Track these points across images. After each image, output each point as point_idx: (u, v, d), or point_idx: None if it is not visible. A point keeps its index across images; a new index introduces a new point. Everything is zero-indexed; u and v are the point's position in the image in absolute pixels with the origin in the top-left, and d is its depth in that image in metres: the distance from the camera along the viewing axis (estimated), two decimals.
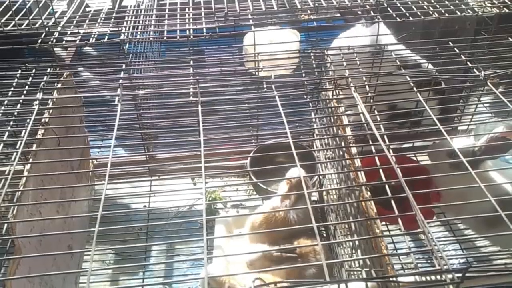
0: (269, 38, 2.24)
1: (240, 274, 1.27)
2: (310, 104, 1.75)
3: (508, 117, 1.82)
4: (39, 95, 1.32)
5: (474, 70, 1.39)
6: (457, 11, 1.69)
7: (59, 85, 1.48)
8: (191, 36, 1.63)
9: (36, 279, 1.12)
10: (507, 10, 1.74)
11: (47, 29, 1.63)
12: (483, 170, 1.45)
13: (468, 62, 1.43)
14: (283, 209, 1.50)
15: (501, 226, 0.99)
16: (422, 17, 1.67)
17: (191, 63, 1.47)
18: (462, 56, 1.46)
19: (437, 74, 1.51)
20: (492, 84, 1.33)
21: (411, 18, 1.67)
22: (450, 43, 1.52)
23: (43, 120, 1.32)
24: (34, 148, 1.23)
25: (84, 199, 1.58)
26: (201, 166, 1.06)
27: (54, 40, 1.61)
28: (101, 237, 0.92)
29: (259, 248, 1.44)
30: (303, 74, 1.60)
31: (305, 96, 1.50)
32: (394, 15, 1.68)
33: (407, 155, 1.67)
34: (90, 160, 1.85)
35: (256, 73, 1.58)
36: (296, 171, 1.55)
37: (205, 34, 1.61)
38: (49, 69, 1.47)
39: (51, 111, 1.36)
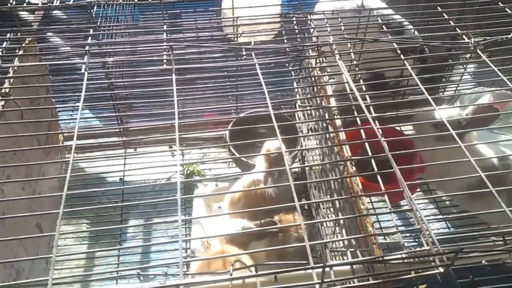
0: (249, 2, 2.13)
1: (219, 257, 1.21)
2: (292, 72, 1.68)
3: (493, 86, 1.78)
4: None
5: (463, 36, 1.33)
6: None
7: (21, 52, 1.36)
8: None
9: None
10: None
11: None
12: (469, 143, 1.41)
13: (457, 29, 1.37)
14: (262, 187, 1.45)
15: (485, 197, 0.96)
16: None
17: (165, 27, 1.36)
18: (450, 22, 1.39)
19: (424, 40, 1.44)
20: (481, 52, 1.27)
21: None
22: (438, 8, 1.44)
23: (2, 90, 1.21)
24: None
25: (50, 177, 1.48)
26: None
27: (14, 2, 1.48)
28: (75, 213, 0.85)
29: (238, 224, 1.39)
30: (285, 41, 1.51)
31: (287, 64, 1.42)
32: None
33: (392, 126, 1.62)
34: (60, 133, 1.74)
35: (235, 39, 1.49)
36: (274, 144, 1.49)
37: None
38: (9, 34, 1.35)
39: (12, 80, 1.26)
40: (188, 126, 1.67)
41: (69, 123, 1.95)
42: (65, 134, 1.77)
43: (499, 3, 1.47)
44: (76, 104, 1.95)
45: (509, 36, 1.30)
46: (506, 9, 1.44)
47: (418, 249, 0.81)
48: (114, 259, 1.62)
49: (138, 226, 1.79)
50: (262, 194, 1.48)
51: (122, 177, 1.87)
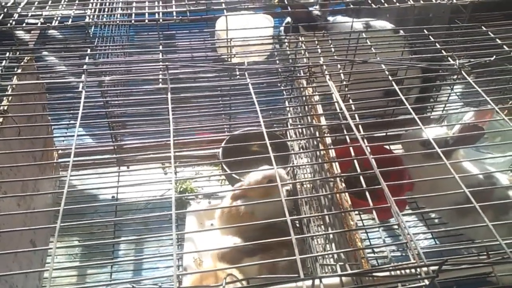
0: (242, 23, 2.18)
1: (212, 270, 1.23)
2: (284, 92, 1.72)
3: (480, 106, 1.84)
4: None
5: (449, 58, 1.38)
6: None
7: (19, 70, 1.40)
8: (161, 20, 1.56)
9: None
10: None
11: (5, 10, 1.53)
12: (456, 161, 1.45)
13: (442, 51, 1.42)
14: (249, 203, 1.46)
15: (472, 214, 0.99)
16: (398, 4, 1.65)
17: (161, 48, 1.40)
18: (437, 44, 1.45)
19: (412, 62, 1.49)
20: (466, 74, 1.32)
21: (386, 5, 1.65)
22: (425, 31, 1.50)
23: (1, 108, 1.24)
24: None
25: (46, 192, 1.50)
26: (171, 156, 1.01)
27: (14, 22, 1.52)
28: (67, 230, 0.87)
29: (230, 241, 1.41)
30: (277, 61, 1.55)
31: (279, 84, 1.46)
32: (369, 1, 1.65)
33: (380, 145, 1.66)
34: (55, 150, 1.76)
35: (229, 60, 1.53)
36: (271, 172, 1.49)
37: (175, 17, 1.55)
38: (8, 53, 1.38)
39: (10, 98, 1.28)
40: (182, 144, 1.69)
41: (63, 140, 1.97)
42: (59, 152, 1.79)
43: (482, 27, 1.53)
44: (71, 122, 1.98)
45: (492, 59, 1.36)
46: (489, 32, 1.50)
47: (404, 262, 0.84)
48: (106, 276, 1.63)
49: (130, 244, 1.80)
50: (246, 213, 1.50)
51: (115, 195, 1.88)
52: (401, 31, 1.74)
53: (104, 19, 1.61)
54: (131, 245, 1.78)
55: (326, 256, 1.20)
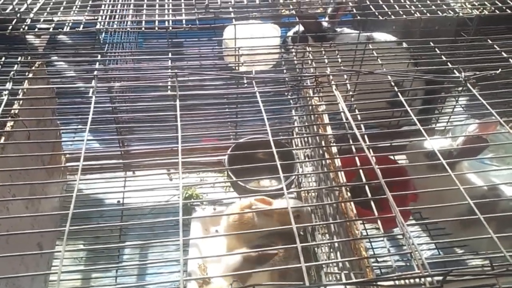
0: (250, 33, 2.21)
1: (219, 276, 1.24)
2: (290, 101, 1.73)
3: (484, 118, 1.85)
4: (9, 85, 1.26)
5: (454, 71, 1.39)
6: (438, 11, 1.70)
7: (31, 75, 1.42)
8: (170, 28, 1.58)
9: (2, 279, 1.07)
10: (486, 12, 1.75)
11: (18, 15, 1.56)
12: (460, 172, 1.46)
13: (448, 63, 1.43)
14: (257, 210, 1.47)
15: (476, 226, 1.00)
16: (404, 16, 1.67)
17: (170, 55, 1.43)
18: (442, 56, 1.46)
19: (417, 74, 1.51)
20: (471, 86, 1.33)
21: (393, 17, 1.66)
22: (431, 43, 1.51)
23: (12, 111, 1.26)
24: (2, 141, 1.17)
25: (55, 196, 1.52)
26: (177, 162, 1.02)
27: (26, 28, 1.55)
28: (73, 234, 0.88)
29: (237, 252, 1.41)
30: (284, 71, 1.57)
31: (286, 93, 1.48)
32: (376, 13, 1.67)
33: (385, 155, 1.67)
34: (63, 154, 1.78)
35: (236, 68, 1.55)
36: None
37: (184, 26, 1.57)
38: (20, 58, 1.40)
39: (21, 102, 1.30)
40: (188, 150, 1.71)
41: (71, 144, 1.99)
42: (67, 156, 1.81)
43: (488, 40, 1.54)
44: (79, 127, 2.00)
45: (497, 71, 1.37)
46: (495, 46, 1.51)
47: (409, 272, 0.84)
48: (111, 280, 1.64)
49: (135, 249, 1.81)
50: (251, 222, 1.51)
51: (121, 200, 1.90)
52: (404, 43, 1.75)
53: (115, 26, 1.63)
54: (136, 250, 1.79)
55: (331, 264, 1.21)
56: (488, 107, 1.23)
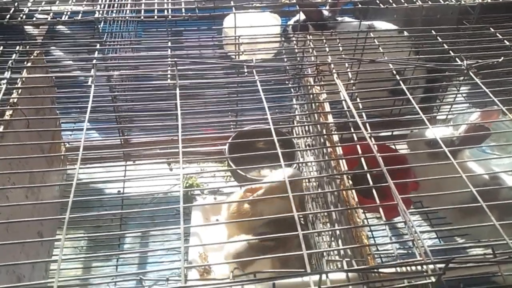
0: (250, 22, 2.19)
1: (220, 264, 1.23)
2: (291, 89, 1.73)
3: (486, 107, 1.84)
4: (7, 74, 1.25)
5: (456, 59, 1.38)
6: (440, 0, 1.68)
7: (29, 64, 1.41)
8: (169, 17, 1.57)
9: (2, 267, 1.06)
10: (489, 0, 1.74)
11: (16, 4, 1.54)
12: (461, 160, 1.46)
13: (450, 52, 1.42)
14: (258, 198, 1.46)
15: (477, 215, 1.00)
16: (406, 4, 1.66)
17: (169, 44, 1.41)
18: (444, 45, 1.45)
19: (418, 62, 1.50)
20: (474, 74, 1.32)
21: (394, 5, 1.65)
22: (433, 31, 1.50)
23: (11, 100, 1.25)
24: (1, 129, 1.16)
25: (55, 184, 1.51)
26: (177, 152, 1.02)
27: (24, 17, 1.53)
28: (73, 223, 0.87)
29: (242, 238, 1.41)
30: (285, 59, 1.56)
31: (286, 82, 1.47)
32: (377, 1, 1.66)
33: (386, 144, 1.66)
34: (62, 143, 1.78)
35: (237, 57, 1.54)
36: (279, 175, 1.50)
37: (184, 14, 1.55)
38: (18, 47, 1.39)
39: (20, 91, 1.30)
40: (188, 140, 1.71)
41: (70, 134, 1.98)
42: (67, 145, 1.81)
43: (491, 28, 1.53)
44: (79, 116, 1.99)
45: (500, 60, 1.36)
46: (497, 34, 1.50)
47: (411, 259, 0.84)
48: (111, 269, 1.64)
49: (136, 238, 1.81)
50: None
51: (121, 189, 1.89)
52: (406, 32, 1.74)
53: (114, 15, 1.62)
54: (137, 239, 1.80)
55: (332, 252, 1.21)
56: (491, 95, 1.22)
